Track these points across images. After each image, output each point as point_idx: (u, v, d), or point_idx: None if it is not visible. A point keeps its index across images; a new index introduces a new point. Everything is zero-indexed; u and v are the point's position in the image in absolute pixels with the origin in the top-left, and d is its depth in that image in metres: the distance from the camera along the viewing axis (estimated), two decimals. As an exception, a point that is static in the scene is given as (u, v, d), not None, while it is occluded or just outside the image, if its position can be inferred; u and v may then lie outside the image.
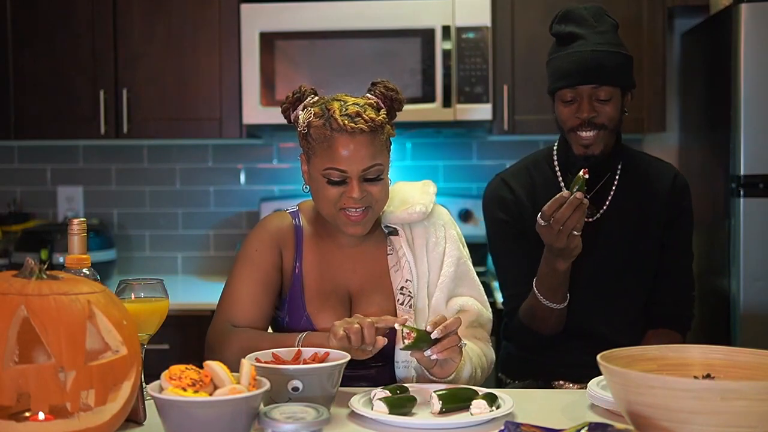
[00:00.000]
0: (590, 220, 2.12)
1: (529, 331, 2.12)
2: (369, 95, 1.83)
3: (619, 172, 2.17)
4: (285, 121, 1.90)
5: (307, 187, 1.85)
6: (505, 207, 2.16)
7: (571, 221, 1.84)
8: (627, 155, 2.20)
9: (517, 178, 2.19)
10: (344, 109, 1.75)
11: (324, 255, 1.88)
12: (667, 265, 2.16)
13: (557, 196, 1.85)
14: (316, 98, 1.83)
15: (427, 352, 1.60)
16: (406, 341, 1.59)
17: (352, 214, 1.77)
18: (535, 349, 2.17)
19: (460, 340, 1.64)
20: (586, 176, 1.86)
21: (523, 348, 2.22)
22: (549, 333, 2.10)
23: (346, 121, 1.72)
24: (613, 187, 2.16)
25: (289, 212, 1.93)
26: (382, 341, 1.61)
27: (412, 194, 1.92)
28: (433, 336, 1.60)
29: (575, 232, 1.86)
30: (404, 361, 1.79)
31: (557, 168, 2.19)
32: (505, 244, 2.17)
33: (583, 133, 2.05)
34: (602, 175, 2.15)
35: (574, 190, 1.85)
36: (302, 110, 1.81)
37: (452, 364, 1.65)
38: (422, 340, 1.60)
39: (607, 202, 2.15)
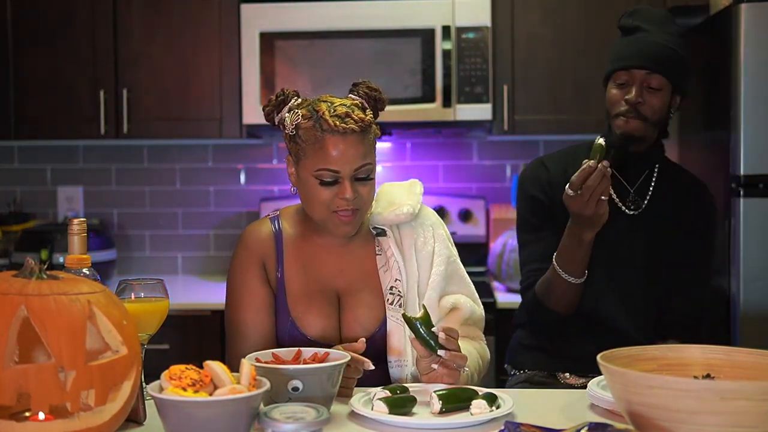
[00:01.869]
0: (634, 213, 2.17)
1: (542, 308, 2.14)
2: (353, 96, 1.83)
3: (656, 173, 2.21)
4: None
5: (295, 189, 1.85)
6: (539, 185, 2.20)
7: (600, 188, 1.92)
8: (664, 159, 2.25)
9: (555, 162, 2.24)
10: (333, 110, 1.75)
11: (308, 257, 1.88)
12: (688, 275, 2.19)
13: (584, 166, 1.92)
14: (300, 100, 1.83)
15: (441, 352, 1.62)
16: (415, 313, 1.65)
17: (343, 215, 1.77)
18: (546, 335, 2.18)
19: (463, 371, 1.66)
20: (603, 143, 1.95)
21: (533, 333, 2.22)
22: (562, 311, 2.11)
23: (337, 122, 1.73)
24: (651, 186, 2.20)
25: (270, 217, 1.93)
26: (360, 345, 1.67)
27: (399, 195, 1.92)
28: (439, 351, 1.62)
29: (603, 197, 1.93)
30: (396, 360, 1.80)
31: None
32: (533, 220, 2.21)
33: (625, 118, 2.11)
34: (640, 171, 2.20)
35: (597, 158, 1.93)
36: (288, 112, 1.81)
37: (443, 381, 1.66)
38: (424, 323, 1.62)
39: (647, 200, 2.19)
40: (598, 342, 2.07)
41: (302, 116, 1.77)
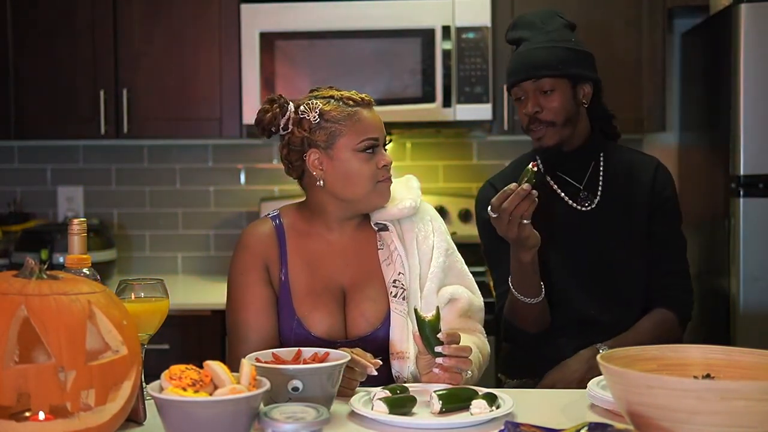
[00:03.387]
0: (587, 209, 2.18)
1: (515, 329, 2.17)
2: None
3: (602, 162, 2.22)
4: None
5: (322, 182, 1.85)
6: None
7: (518, 210, 1.89)
8: (607, 147, 2.25)
9: (504, 180, 2.21)
10: (343, 92, 1.86)
11: (311, 254, 1.89)
12: (658, 254, 2.18)
13: (506, 188, 1.91)
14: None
15: (439, 359, 1.63)
16: (426, 315, 1.65)
17: (386, 182, 1.86)
18: (533, 345, 2.19)
19: (464, 374, 1.67)
20: (535, 169, 1.92)
21: (519, 345, 2.23)
22: (533, 330, 2.13)
23: (362, 96, 1.85)
24: (601, 178, 2.20)
25: (270, 216, 1.94)
26: (377, 363, 1.65)
27: (399, 191, 1.95)
28: (440, 349, 1.63)
29: (524, 221, 1.91)
30: (399, 353, 1.81)
31: (540, 166, 2.22)
32: (492, 244, 2.20)
33: (533, 129, 2.16)
34: (585, 166, 2.21)
35: (523, 181, 1.91)
36: (300, 107, 1.84)
37: (444, 381, 1.66)
38: (432, 327, 1.63)
39: (599, 193, 2.19)
40: (588, 343, 2.09)
41: (321, 103, 1.84)
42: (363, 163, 1.82)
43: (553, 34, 2.14)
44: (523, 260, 1.99)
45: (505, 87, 2.23)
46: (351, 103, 1.83)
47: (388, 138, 1.89)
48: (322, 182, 1.84)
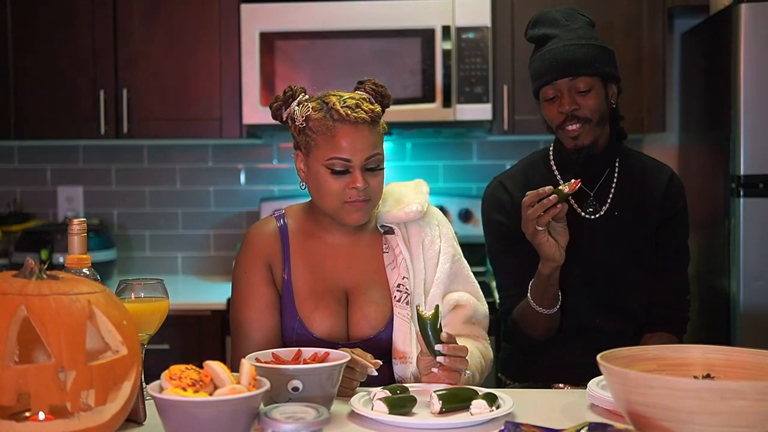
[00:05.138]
0: (593, 217, 2.14)
1: (521, 333, 2.15)
2: (359, 92, 1.86)
3: (617, 169, 2.18)
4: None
5: (304, 184, 1.86)
6: (501, 208, 2.18)
7: (532, 213, 1.89)
8: (624, 153, 2.21)
9: (514, 180, 2.21)
10: (343, 101, 1.78)
11: (315, 255, 1.89)
12: (661, 266, 2.16)
13: (542, 189, 1.89)
14: (308, 96, 1.86)
15: (440, 358, 1.63)
16: (427, 312, 1.64)
17: (355, 203, 1.78)
18: (534, 350, 2.18)
19: (463, 374, 1.67)
20: (569, 186, 1.88)
21: (521, 349, 2.23)
22: (540, 338, 2.11)
23: (349, 111, 1.76)
24: (613, 185, 2.17)
25: (275, 216, 1.94)
26: (377, 364, 1.66)
27: (407, 194, 1.94)
28: (439, 348, 1.63)
29: (538, 228, 1.89)
30: (401, 357, 1.81)
31: (554, 168, 2.20)
32: (501, 246, 2.18)
33: (569, 127, 2.08)
34: (601, 172, 2.17)
35: (556, 189, 1.88)
36: (297, 105, 1.83)
37: (442, 381, 1.66)
38: (432, 325, 1.63)
39: (609, 201, 2.16)
40: (590, 350, 2.07)
41: (312, 108, 1.80)
42: (332, 179, 1.78)
43: (579, 31, 2.09)
44: (543, 272, 1.97)
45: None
46: (336, 116, 1.76)
47: (375, 159, 1.79)
48: (304, 184, 1.85)
